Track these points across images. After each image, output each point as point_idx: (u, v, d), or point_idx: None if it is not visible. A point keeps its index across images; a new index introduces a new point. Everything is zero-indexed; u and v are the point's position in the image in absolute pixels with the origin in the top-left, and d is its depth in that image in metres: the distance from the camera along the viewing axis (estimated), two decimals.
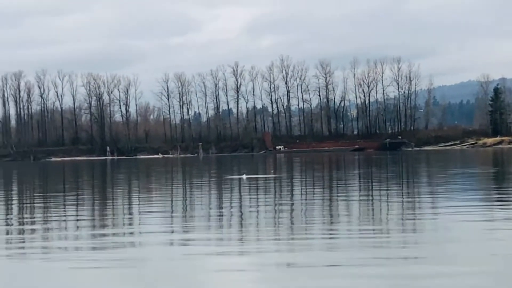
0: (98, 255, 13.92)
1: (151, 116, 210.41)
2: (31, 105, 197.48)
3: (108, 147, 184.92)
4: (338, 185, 35.74)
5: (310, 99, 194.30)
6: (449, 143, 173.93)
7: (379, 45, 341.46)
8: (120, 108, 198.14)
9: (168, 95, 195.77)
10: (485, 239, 14.68)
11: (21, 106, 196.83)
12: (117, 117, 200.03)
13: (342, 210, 22.04)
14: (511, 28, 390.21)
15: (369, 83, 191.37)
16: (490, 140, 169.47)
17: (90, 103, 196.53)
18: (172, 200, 28.66)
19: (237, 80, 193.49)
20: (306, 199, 27.53)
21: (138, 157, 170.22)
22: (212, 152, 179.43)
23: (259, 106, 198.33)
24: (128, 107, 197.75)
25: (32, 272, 12.33)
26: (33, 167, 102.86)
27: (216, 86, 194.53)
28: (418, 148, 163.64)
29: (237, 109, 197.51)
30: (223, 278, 11.41)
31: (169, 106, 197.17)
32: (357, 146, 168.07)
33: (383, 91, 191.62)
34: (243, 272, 11.80)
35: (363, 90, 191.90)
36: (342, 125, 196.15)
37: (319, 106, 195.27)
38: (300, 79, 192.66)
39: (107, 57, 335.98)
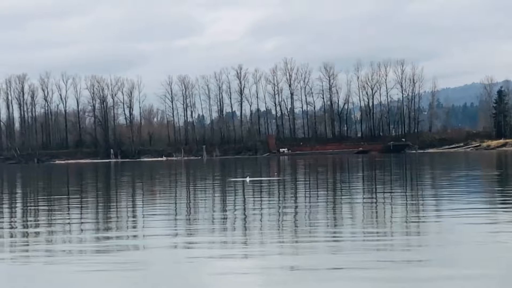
0: (102, 258, 13.95)
1: (155, 119, 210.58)
2: (35, 108, 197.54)
3: (112, 150, 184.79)
4: (342, 188, 35.71)
5: (314, 101, 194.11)
6: (453, 146, 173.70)
7: (383, 48, 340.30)
8: (124, 110, 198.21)
9: (171, 97, 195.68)
10: (489, 242, 14.67)
11: (25, 109, 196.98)
12: (121, 119, 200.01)
13: (345, 213, 22.04)
14: None
15: (373, 86, 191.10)
16: (494, 143, 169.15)
17: (94, 106, 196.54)
18: (176, 203, 28.68)
19: (240, 82, 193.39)
20: (309, 202, 27.50)
21: (142, 160, 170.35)
22: (216, 154, 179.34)
23: (262, 108, 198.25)
24: (132, 110, 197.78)
25: (36, 275, 12.35)
26: (37, 170, 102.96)
27: (219, 89, 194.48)
28: (422, 151, 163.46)
29: (241, 112, 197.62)
30: (227, 281, 11.42)
31: (172, 108, 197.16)
32: (360, 149, 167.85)
33: (387, 93, 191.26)
34: (247, 275, 11.81)
35: (366, 92, 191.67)
36: (345, 128, 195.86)
37: (322, 108, 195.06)
38: (304, 81, 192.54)
39: (111, 60, 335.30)
